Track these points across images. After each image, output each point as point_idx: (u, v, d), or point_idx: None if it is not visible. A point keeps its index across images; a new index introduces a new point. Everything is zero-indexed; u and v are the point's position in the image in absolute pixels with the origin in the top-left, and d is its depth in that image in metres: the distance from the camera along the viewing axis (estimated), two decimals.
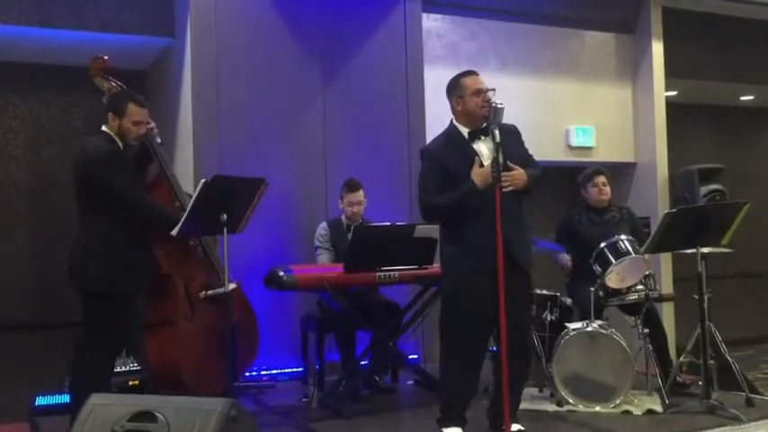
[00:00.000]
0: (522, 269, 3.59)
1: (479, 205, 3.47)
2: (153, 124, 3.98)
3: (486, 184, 3.44)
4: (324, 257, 4.89)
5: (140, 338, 4.04)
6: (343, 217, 5.00)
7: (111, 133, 3.69)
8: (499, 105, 3.44)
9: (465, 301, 3.55)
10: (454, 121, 3.69)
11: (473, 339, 3.59)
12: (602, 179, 4.97)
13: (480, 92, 3.58)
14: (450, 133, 3.68)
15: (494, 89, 3.57)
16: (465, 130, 3.63)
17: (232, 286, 3.87)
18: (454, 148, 3.62)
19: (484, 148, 3.58)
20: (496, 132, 3.38)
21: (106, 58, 4.08)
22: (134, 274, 3.69)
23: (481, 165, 3.49)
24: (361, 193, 4.92)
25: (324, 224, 4.99)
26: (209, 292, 4.07)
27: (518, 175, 3.48)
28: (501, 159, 3.37)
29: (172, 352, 3.95)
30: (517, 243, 3.51)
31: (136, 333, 4.06)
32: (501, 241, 3.31)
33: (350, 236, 4.80)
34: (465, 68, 6.22)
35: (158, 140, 4.07)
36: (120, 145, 3.70)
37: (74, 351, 3.75)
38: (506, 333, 3.35)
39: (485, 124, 3.53)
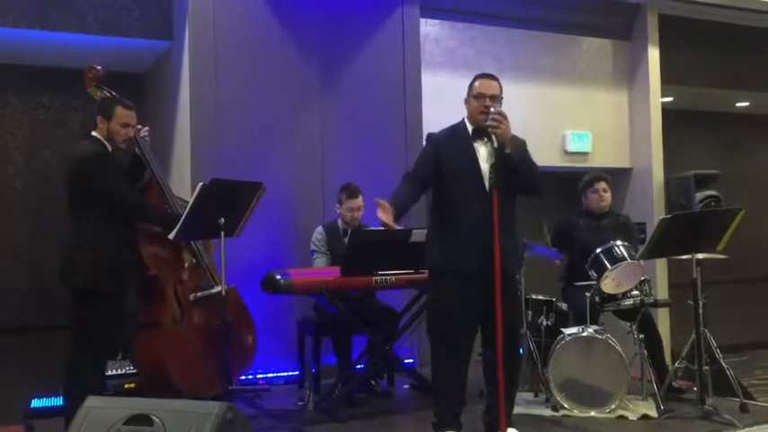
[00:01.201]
0: (504, 274, 3.52)
1: (463, 210, 3.52)
2: (147, 128, 4.04)
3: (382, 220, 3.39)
4: (320, 261, 4.88)
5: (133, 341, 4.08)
6: (339, 221, 5.00)
7: (101, 137, 3.79)
8: (498, 109, 3.48)
9: (443, 304, 3.59)
10: (464, 117, 3.73)
11: (454, 340, 3.60)
12: (602, 185, 4.99)
13: (480, 96, 3.61)
14: (458, 127, 3.73)
15: (501, 97, 3.61)
16: (470, 128, 3.67)
17: (223, 288, 3.86)
18: (455, 140, 3.67)
19: (483, 150, 3.61)
20: (494, 138, 3.44)
21: (99, 67, 4.14)
22: (121, 272, 3.74)
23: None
24: (360, 198, 4.92)
25: (320, 228, 4.99)
26: (199, 294, 4.07)
27: (504, 118, 3.45)
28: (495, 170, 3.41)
29: (160, 354, 3.95)
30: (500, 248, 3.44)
31: (130, 335, 4.09)
32: (498, 246, 3.34)
33: (346, 240, 4.81)
34: (463, 74, 6.29)
35: (152, 156, 4.11)
36: (110, 148, 3.79)
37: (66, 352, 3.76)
38: (493, 338, 3.40)
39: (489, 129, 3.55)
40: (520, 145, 3.63)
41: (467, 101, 3.70)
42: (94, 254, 3.65)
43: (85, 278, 3.63)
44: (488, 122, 3.46)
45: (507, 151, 3.49)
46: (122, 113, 3.79)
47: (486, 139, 3.59)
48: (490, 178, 3.45)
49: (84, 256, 3.64)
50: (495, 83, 3.67)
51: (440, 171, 3.62)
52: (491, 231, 3.38)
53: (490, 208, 3.40)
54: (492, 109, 3.49)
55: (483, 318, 3.56)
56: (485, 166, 3.56)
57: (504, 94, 3.70)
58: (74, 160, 3.74)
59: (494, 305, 3.36)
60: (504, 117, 3.48)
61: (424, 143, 3.79)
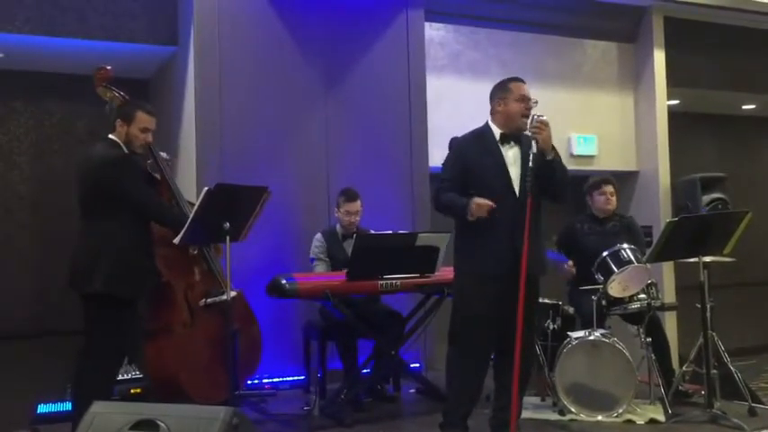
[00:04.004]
0: (529, 278, 3.55)
1: (491, 214, 3.50)
2: (165, 154, 4.07)
3: (474, 218, 3.47)
4: (320, 269, 4.85)
5: (141, 346, 4.06)
6: (338, 226, 4.98)
7: (118, 140, 3.74)
8: (542, 117, 3.49)
9: (469, 301, 3.61)
10: (489, 122, 3.73)
11: (477, 341, 3.60)
12: (610, 188, 4.98)
13: (524, 99, 3.63)
14: (483, 131, 3.73)
15: (536, 101, 3.63)
16: (498, 132, 3.67)
17: (232, 294, 3.87)
18: (481, 144, 3.67)
19: (511, 154, 3.62)
20: (534, 144, 3.46)
21: (109, 68, 4.13)
22: (138, 278, 3.70)
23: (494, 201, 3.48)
24: (358, 203, 4.90)
25: (319, 235, 4.96)
26: (209, 300, 4.07)
27: (546, 125, 3.47)
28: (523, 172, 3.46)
29: (171, 360, 3.95)
30: (527, 252, 3.45)
31: (137, 341, 4.08)
32: (526, 249, 3.35)
33: (345, 245, 4.81)
34: (468, 77, 6.34)
35: (163, 155, 4.11)
36: (126, 151, 3.75)
37: (76, 358, 3.75)
38: (506, 340, 3.40)
39: (525, 131, 3.55)
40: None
41: (500, 103, 3.67)
42: (116, 260, 3.58)
43: (105, 284, 3.56)
44: (531, 128, 3.47)
45: (549, 158, 3.50)
46: (143, 118, 3.76)
47: (513, 143, 3.59)
48: (528, 182, 3.44)
49: (104, 262, 3.57)
50: (526, 85, 3.69)
51: (466, 175, 3.62)
52: (518, 235, 3.40)
53: (518, 211, 3.42)
54: (536, 115, 3.50)
55: (501, 319, 3.54)
56: (512, 169, 3.57)
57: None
58: (91, 165, 3.67)
59: (514, 307, 3.35)
60: (546, 124, 3.49)
61: (448, 149, 3.79)
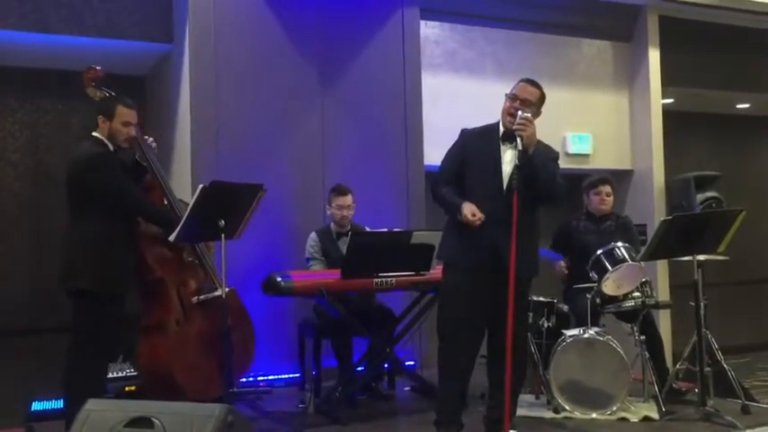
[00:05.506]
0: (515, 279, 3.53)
1: (480, 209, 3.51)
2: (152, 139, 4.07)
3: (465, 223, 3.49)
4: (316, 268, 4.84)
5: (135, 344, 4.08)
6: (331, 224, 4.98)
7: (102, 137, 3.79)
8: (526, 114, 3.50)
9: (454, 297, 3.62)
10: (501, 119, 3.74)
11: (462, 336, 3.60)
12: (607, 189, 4.99)
13: (514, 98, 3.63)
14: (491, 128, 3.74)
15: (534, 103, 3.63)
16: (502, 129, 3.68)
17: (223, 291, 3.87)
18: (484, 139, 3.69)
19: (509, 153, 3.61)
20: (518, 141, 3.46)
21: (98, 68, 4.12)
22: (121, 273, 3.74)
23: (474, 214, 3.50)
24: (349, 197, 4.90)
25: (313, 235, 4.95)
26: (202, 296, 4.08)
27: (530, 123, 3.48)
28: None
29: (164, 356, 3.95)
30: (508, 250, 3.42)
31: (131, 338, 4.09)
32: (515, 248, 3.35)
33: (340, 243, 4.81)
34: (463, 75, 6.34)
35: (154, 157, 4.11)
36: (111, 147, 3.78)
37: (65, 355, 3.76)
38: (498, 339, 3.41)
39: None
40: (553, 157, 3.70)
41: (505, 102, 3.70)
42: (99, 255, 3.63)
43: (90, 280, 3.62)
44: (515, 126, 3.48)
45: (530, 152, 3.49)
46: (124, 112, 3.79)
47: (513, 143, 3.59)
48: (513, 180, 3.44)
49: (88, 257, 3.63)
50: (532, 89, 3.67)
51: (464, 166, 3.64)
52: (504, 232, 3.39)
53: (506, 209, 3.41)
54: (519, 112, 3.51)
55: (491, 318, 3.56)
56: (507, 168, 3.58)
57: (543, 103, 3.72)
58: (76, 161, 3.73)
59: (503, 306, 3.35)
60: (530, 121, 3.50)
61: (457, 138, 3.81)
